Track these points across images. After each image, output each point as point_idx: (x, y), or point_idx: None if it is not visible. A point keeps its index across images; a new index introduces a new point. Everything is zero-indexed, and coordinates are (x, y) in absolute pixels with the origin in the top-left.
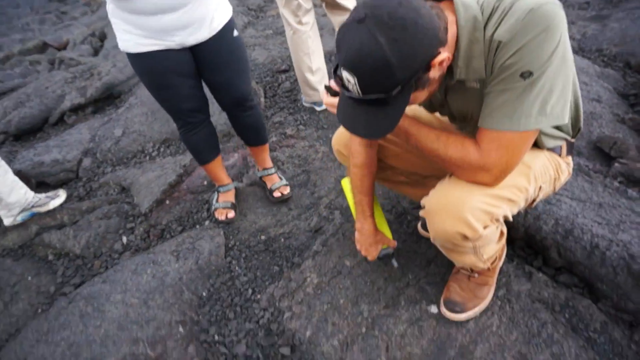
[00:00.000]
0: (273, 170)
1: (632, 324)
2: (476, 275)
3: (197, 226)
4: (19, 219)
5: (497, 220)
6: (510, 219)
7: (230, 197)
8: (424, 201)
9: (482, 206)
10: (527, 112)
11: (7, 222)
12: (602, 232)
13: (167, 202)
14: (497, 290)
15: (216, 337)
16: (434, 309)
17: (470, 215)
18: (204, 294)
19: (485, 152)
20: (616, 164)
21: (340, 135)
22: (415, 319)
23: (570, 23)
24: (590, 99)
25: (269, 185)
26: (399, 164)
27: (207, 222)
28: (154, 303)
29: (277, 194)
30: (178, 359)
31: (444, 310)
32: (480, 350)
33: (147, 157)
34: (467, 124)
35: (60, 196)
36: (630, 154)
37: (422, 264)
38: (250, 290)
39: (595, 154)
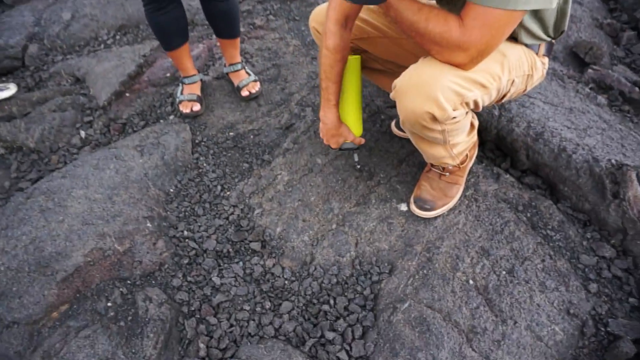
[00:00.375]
0: (240, 66)
1: (585, 223)
2: (447, 174)
3: (161, 121)
4: None
5: (467, 104)
6: (480, 107)
7: (196, 89)
8: (396, 81)
9: (454, 87)
10: None
11: None
12: (570, 136)
13: (127, 94)
14: (465, 189)
15: (185, 233)
16: (403, 207)
17: (441, 95)
18: (171, 190)
19: (467, 29)
20: (589, 70)
21: (319, 12)
22: (384, 217)
23: None
24: (572, 1)
25: (236, 83)
26: (374, 50)
27: (171, 117)
28: (119, 199)
29: (244, 92)
30: (147, 254)
31: (413, 207)
32: (445, 246)
33: (102, 46)
34: (454, 5)
35: (10, 89)
36: (603, 61)
37: (394, 163)
38: (219, 187)
39: (571, 58)
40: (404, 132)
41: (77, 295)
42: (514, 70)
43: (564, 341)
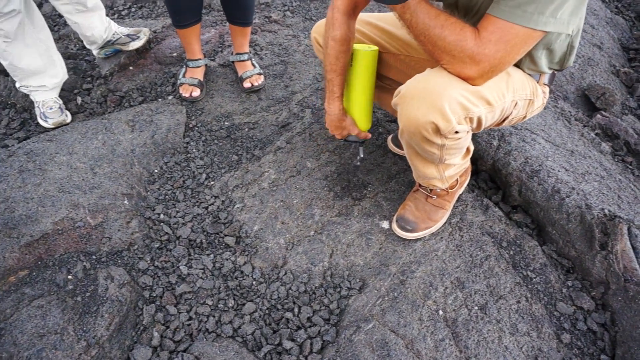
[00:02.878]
0: (247, 56)
1: (569, 270)
2: (434, 197)
3: (159, 99)
4: (103, 53)
5: (472, 120)
6: (482, 126)
7: (198, 74)
8: (400, 87)
9: (461, 99)
10: (541, 9)
11: (94, 53)
12: (566, 179)
13: (131, 68)
14: (451, 216)
15: (162, 216)
16: (385, 224)
17: (447, 105)
18: (156, 170)
19: (483, 42)
20: (598, 116)
21: (321, 24)
22: (364, 231)
23: None
24: (592, 44)
25: (240, 73)
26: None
27: (170, 97)
28: (100, 171)
29: (247, 83)
30: (118, 231)
31: (394, 226)
32: (421, 271)
33: (116, 16)
34: (471, 18)
35: (141, 38)
36: (614, 108)
37: (384, 178)
38: (204, 175)
39: (582, 101)
40: (400, 148)
41: (39, 262)
42: (518, 91)
43: None
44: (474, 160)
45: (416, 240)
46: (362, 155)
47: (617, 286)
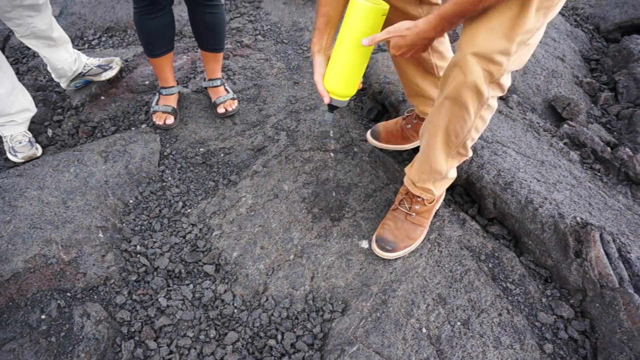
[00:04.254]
0: (219, 82)
1: (547, 280)
2: (413, 214)
3: (133, 128)
4: (72, 85)
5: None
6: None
7: (172, 101)
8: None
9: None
10: None
11: (63, 86)
12: (538, 189)
13: (103, 97)
14: (429, 233)
15: (138, 248)
16: (364, 244)
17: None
18: (131, 201)
19: None
20: (565, 125)
21: None
22: (344, 252)
23: None
24: (555, 57)
25: (213, 98)
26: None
27: (143, 126)
28: (73, 204)
29: (221, 109)
30: (93, 266)
31: (374, 247)
32: (402, 290)
33: (86, 45)
34: None
35: (114, 68)
36: (580, 118)
37: (361, 198)
38: (180, 203)
39: (549, 112)
40: (378, 141)
41: (10, 303)
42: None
43: None
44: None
45: (396, 258)
46: (327, 119)
47: (594, 293)
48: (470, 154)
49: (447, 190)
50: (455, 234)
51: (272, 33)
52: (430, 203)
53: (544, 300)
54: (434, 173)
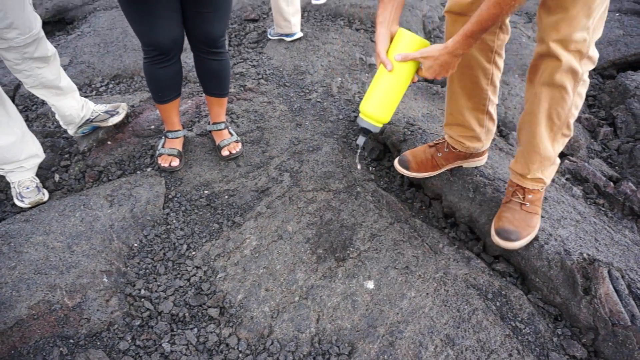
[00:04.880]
0: (223, 125)
1: (557, 318)
2: (527, 204)
3: (138, 172)
4: (80, 132)
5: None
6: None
7: (177, 144)
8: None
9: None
10: None
11: (70, 132)
12: (543, 225)
13: (109, 142)
14: (434, 271)
15: (142, 292)
16: (370, 284)
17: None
18: (136, 244)
19: None
20: (566, 161)
21: None
22: (350, 293)
23: None
24: None
25: (217, 141)
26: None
27: (149, 169)
28: (78, 249)
29: (225, 152)
30: (97, 311)
31: (497, 240)
32: (409, 331)
33: (94, 92)
34: None
35: (120, 113)
36: (581, 153)
37: (366, 237)
38: (185, 246)
39: None
40: (409, 170)
41: (12, 352)
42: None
43: None
44: (452, 214)
45: (402, 298)
46: (359, 143)
47: (606, 331)
48: (573, 132)
49: (451, 227)
50: (461, 272)
51: (275, 77)
52: (541, 190)
53: (554, 339)
54: (544, 160)
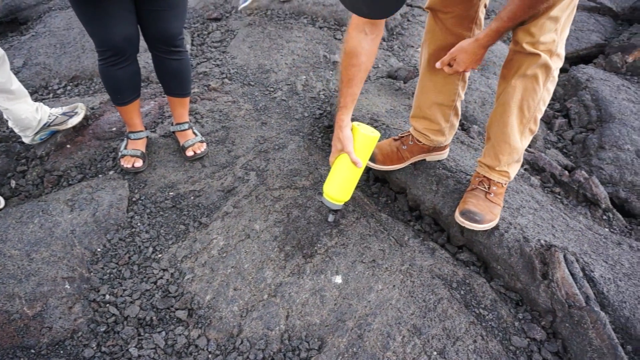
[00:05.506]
0: (187, 125)
1: (518, 303)
2: (492, 194)
3: (100, 175)
4: (38, 138)
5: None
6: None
7: (140, 145)
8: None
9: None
10: None
11: (26, 140)
12: (503, 215)
13: (68, 146)
14: (400, 263)
15: (107, 297)
16: (338, 279)
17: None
18: (99, 249)
19: None
20: (525, 152)
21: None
22: (318, 288)
23: None
24: None
25: (181, 142)
26: None
27: (111, 172)
28: (38, 256)
29: (189, 152)
30: (59, 319)
31: (461, 220)
32: (377, 322)
33: (51, 95)
34: None
35: (79, 113)
36: (537, 144)
37: (332, 233)
38: (151, 249)
39: None
40: (375, 163)
41: None
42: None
43: None
44: (417, 207)
45: (369, 291)
46: (330, 220)
47: (563, 313)
48: (538, 129)
49: (416, 220)
50: (427, 264)
51: (239, 76)
52: (504, 185)
53: (516, 323)
54: (513, 152)
